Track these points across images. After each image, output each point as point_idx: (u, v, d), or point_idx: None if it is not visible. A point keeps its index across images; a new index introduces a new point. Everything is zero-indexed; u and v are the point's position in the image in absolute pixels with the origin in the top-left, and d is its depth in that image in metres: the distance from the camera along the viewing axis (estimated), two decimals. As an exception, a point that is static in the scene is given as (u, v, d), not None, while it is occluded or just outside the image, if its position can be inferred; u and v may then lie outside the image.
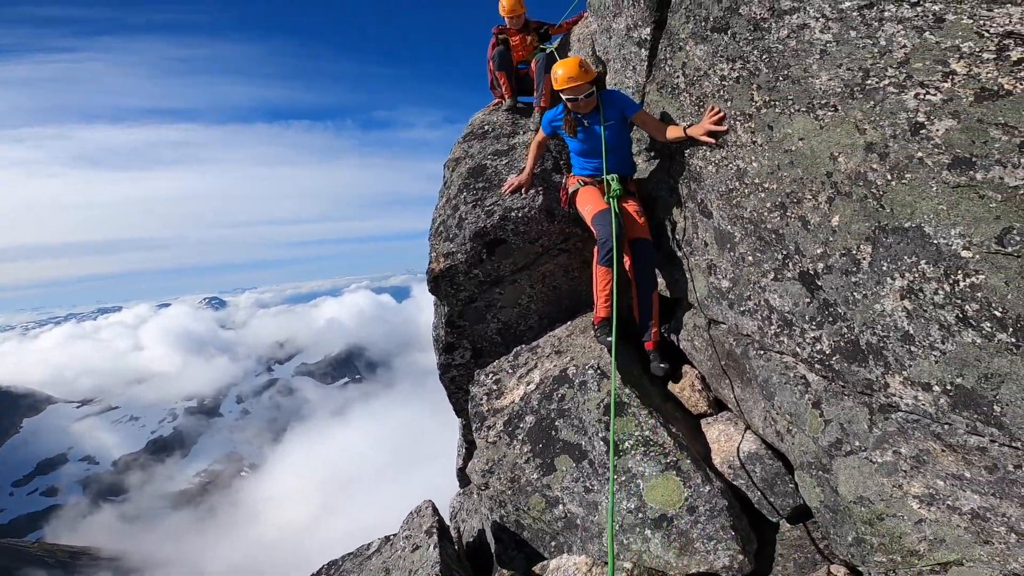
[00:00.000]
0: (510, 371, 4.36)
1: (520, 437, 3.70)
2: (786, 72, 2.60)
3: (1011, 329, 1.78)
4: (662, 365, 3.74)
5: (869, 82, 2.21)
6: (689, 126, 3.38)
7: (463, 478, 6.40)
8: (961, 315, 1.91)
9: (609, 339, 3.79)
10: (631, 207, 3.91)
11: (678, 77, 3.52)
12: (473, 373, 4.74)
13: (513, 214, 4.50)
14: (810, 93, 2.47)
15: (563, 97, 3.89)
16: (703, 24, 3.20)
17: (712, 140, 3.17)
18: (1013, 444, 1.82)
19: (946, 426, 2.03)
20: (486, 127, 5.67)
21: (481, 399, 4.24)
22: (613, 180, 3.87)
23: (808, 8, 2.48)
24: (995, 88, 1.83)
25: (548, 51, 5.60)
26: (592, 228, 3.84)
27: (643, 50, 3.99)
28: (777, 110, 2.67)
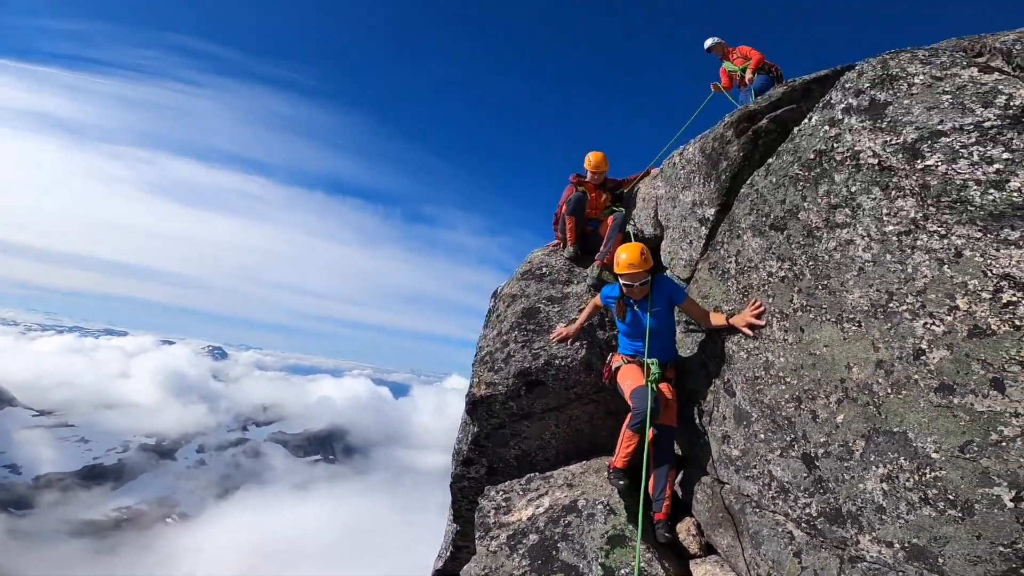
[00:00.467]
0: (521, 493, 4.71)
1: (521, 552, 3.97)
2: (826, 282, 3.11)
3: (958, 507, 2.31)
4: (667, 535, 3.95)
5: (891, 305, 2.72)
6: (731, 315, 3.88)
7: None
8: (924, 496, 2.43)
9: (621, 482, 4.13)
10: (666, 393, 4.18)
11: (730, 263, 4.03)
12: (482, 487, 5.07)
13: (556, 362, 5.02)
14: (841, 306, 2.98)
15: (620, 281, 4.28)
16: (763, 219, 3.72)
17: (750, 332, 3.64)
18: (950, 585, 2.32)
19: (900, 573, 2.50)
20: (544, 269, 6.10)
21: (489, 512, 4.57)
22: (654, 364, 4.18)
23: (858, 226, 2.99)
24: (984, 327, 2.37)
25: (623, 212, 6.07)
26: (629, 401, 4.12)
27: (704, 228, 4.50)
28: (811, 316, 3.19)
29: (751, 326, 3.67)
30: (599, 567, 3.59)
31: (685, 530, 4.04)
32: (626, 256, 4.17)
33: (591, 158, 6.33)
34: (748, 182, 4.08)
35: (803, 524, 3.05)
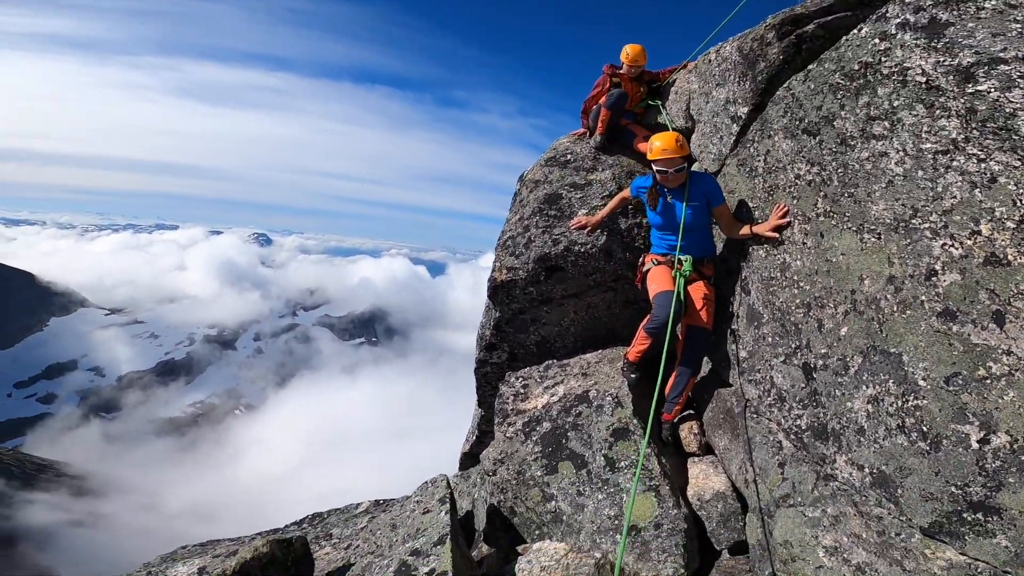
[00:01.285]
0: (538, 380, 4.98)
1: (534, 438, 4.32)
2: (852, 191, 3.06)
3: (929, 440, 2.42)
4: (670, 437, 4.21)
5: (914, 221, 2.67)
6: (755, 224, 3.84)
7: (464, 462, 7.06)
8: (901, 424, 2.53)
9: (633, 375, 4.33)
10: (698, 292, 4.13)
11: (759, 161, 3.99)
12: (504, 373, 5.38)
13: (576, 248, 5.09)
14: (864, 216, 2.94)
15: (654, 168, 4.19)
16: (797, 123, 3.64)
17: (776, 235, 3.60)
18: (901, 518, 2.53)
19: (863, 497, 2.69)
20: (568, 156, 6.04)
21: (508, 398, 4.89)
22: (687, 261, 4.14)
23: (895, 139, 2.89)
24: (1001, 256, 2.32)
25: (657, 106, 5.95)
26: (652, 304, 4.11)
27: (735, 125, 4.44)
28: (833, 222, 3.16)
29: (777, 228, 3.63)
30: (602, 457, 3.90)
31: (688, 428, 4.29)
32: (660, 143, 4.13)
33: (629, 51, 6.11)
34: (785, 85, 3.93)
35: (792, 435, 3.24)
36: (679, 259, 4.15)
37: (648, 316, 4.18)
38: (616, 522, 3.56)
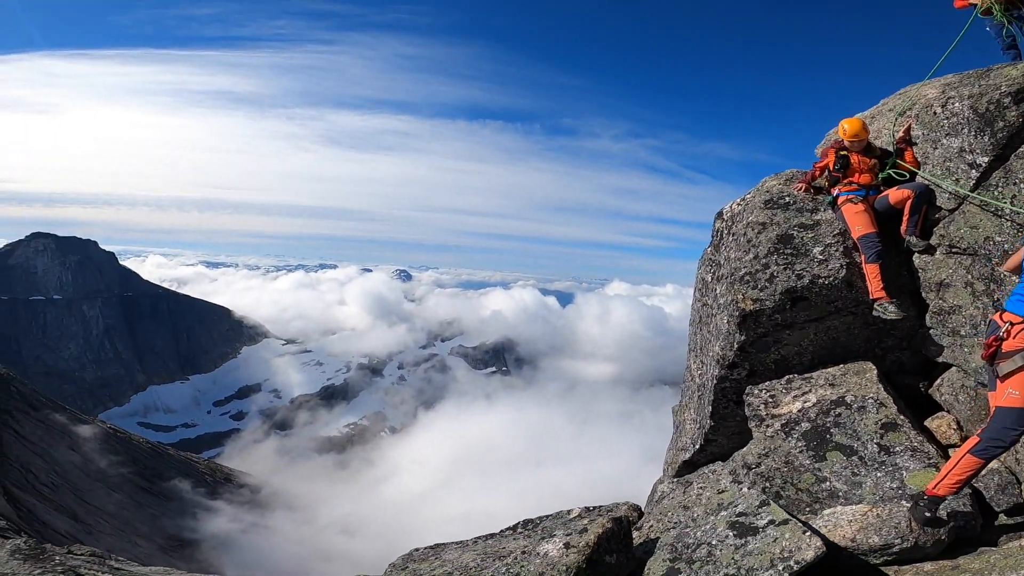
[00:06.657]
0: (784, 391, 5.77)
1: (795, 436, 5.17)
2: None
3: None
4: (927, 512, 3.76)
5: None
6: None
7: (682, 469, 7.40)
8: None
9: (928, 515, 3.67)
10: None
11: (1004, 203, 4.70)
12: (742, 387, 6.19)
13: (820, 281, 5.65)
14: None
15: None
16: None
17: None
18: None
19: None
20: (787, 198, 6.37)
21: (759, 406, 5.73)
22: None
23: None
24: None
25: (924, 184, 5.59)
26: (993, 410, 3.41)
27: (974, 171, 5.06)
28: None
29: None
30: (875, 446, 4.72)
31: (946, 423, 5.03)
32: None
33: (846, 127, 5.97)
34: None
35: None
36: None
37: (974, 440, 3.48)
38: (900, 491, 4.29)
